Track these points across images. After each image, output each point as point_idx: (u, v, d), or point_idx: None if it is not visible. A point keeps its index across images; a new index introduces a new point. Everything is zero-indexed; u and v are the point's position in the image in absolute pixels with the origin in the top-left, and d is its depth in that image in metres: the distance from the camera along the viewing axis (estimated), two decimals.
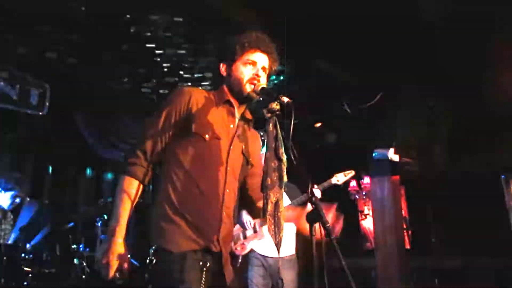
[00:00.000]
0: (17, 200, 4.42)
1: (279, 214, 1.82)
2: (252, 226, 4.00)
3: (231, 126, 1.98)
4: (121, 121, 5.95)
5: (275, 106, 1.84)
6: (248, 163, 2.07)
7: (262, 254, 3.97)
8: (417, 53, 4.50)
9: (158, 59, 5.11)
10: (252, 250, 3.98)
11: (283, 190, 1.85)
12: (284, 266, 3.86)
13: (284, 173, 1.84)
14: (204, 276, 1.77)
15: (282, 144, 1.87)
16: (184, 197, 1.82)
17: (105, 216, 4.36)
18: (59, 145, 5.43)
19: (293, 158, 1.84)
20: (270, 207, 1.78)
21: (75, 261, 3.79)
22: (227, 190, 1.90)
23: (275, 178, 1.82)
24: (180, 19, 4.32)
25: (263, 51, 2.00)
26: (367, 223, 8.11)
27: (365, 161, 5.40)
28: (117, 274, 1.69)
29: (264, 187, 1.80)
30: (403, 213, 6.12)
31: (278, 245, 1.83)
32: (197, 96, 1.95)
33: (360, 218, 8.33)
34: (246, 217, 4.03)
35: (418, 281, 5.71)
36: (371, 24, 4.20)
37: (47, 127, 5.16)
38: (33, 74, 4.97)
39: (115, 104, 5.86)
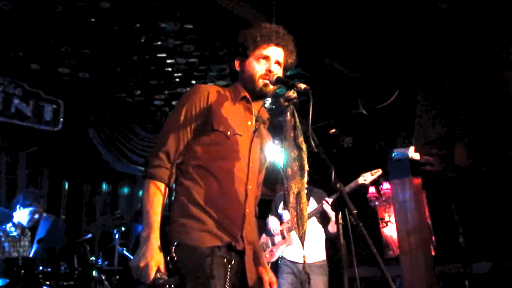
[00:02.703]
0: (36, 216, 4.37)
1: (301, 205, 1.74)
2: (279, 232, 3.92)
3: (249, 123, 1.93)
4: (135, 134, 5.94)
5: (292, 94, 1.79)
6: (266, 160, 2.03)
7: (292, 260, 3.88)
8: (436, 48, 4.41)
9: (169, 69, 5.11)
10: (281, 257, 3.91)
11: (304, 180, 1.77)
12: (314, 272, 3.75)
13: (305, 162, 1.77)
14: (229, 274, 1.71)
15: (301, 132, 1.81)
16: (206, 194, 1.77)
17: (123, 228, 4.30)
18: (74, 160, 5.42)
19: (314, 146, 1.79)
20: (292, 199, 1.72)
21: (94, 273, 3.72)
22: (250, 187, 1.86)
23: (296, 168, 1.76)
24: (190, 26, 4.31)
25: (277, 45, 1.95)
26: (388, 231, 7.89)
27: (384, 164, 5.26)
28: (158, 274, 1.61)
29: (284, 178, 1.74)
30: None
31: (302, 238, 1.76)
32: (214, 93, 1.90)
33: (381, 225, 8.14)
34: (272, 223, 3.95)
35: (445, 287, 5.50)
36: (388, 18, 4.13)
37: (62, 142, 5.15)
38: (46, 90, 5.00)
39: (129, 118, 5.86)
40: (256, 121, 1.97)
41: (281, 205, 4.09)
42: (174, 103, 5.88)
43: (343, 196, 1.72)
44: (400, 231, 5.13)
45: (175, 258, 1.66)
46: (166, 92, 5.71)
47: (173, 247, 1.67)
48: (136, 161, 5.81)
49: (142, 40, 4.44)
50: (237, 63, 2.00)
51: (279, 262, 3.96)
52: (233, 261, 1.75)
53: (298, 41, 2.05)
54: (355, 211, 1.71)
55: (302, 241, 1.76)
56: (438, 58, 4.62)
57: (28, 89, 4.81)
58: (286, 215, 4.04)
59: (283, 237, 3.95)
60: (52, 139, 5.07)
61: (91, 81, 5.15)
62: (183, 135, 1.83)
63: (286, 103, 1.83)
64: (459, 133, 4.48)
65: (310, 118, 1.75)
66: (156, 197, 1.74)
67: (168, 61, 4.93)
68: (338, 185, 1.75)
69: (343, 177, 4.11)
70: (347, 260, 1.67)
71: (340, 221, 1.72)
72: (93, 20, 4.06)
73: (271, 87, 1.92)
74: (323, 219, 3.90)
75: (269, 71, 1.90)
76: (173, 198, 1.90)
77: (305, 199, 1.78)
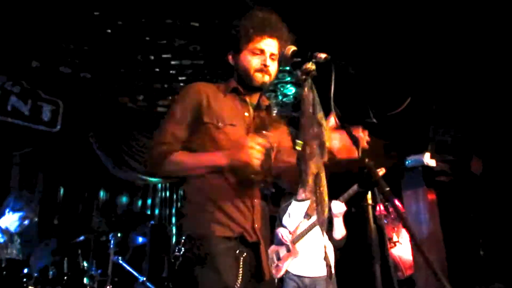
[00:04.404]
0: (26, 222, 4.11)
1: (321, 188, 1.60)
2: (289, 240, 3.73)
3: (246, 114, 1.89)
4: (137, 141, 5.73)
5: (310, 66, 1.66)
6: (272, 147, 1.93)
7: (298, 274, 3.72)
8: (450, 53, 4.25)
9: (174, 71, 4.94)
10: (286, 271, 3.71)
11: (324, 159, 1.61)
12: (322, 286, 3.60)
13: (326, 139, 1.62)
14: (241, 265, 1.65)
15: (320, 107, 1.66)
16: (212, 187, 1.74)
17: (119, 234, 4.03)
18: (72, 164, 5.19)
19: (337, 120, 1.66)
20: (310, 180, 1.58)
21: (85, 280, 3.43)
22: (253, 176, 1.79)
23: (315, 147, 1.62)
24: (196, 24, 4.15)
25: (270, 36, 1.88)
26: (397, 251, 7.60)
27: (394, 176, 5.01)
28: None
29: (302, 158, 1.63)
30: None
31: (322, 225, 1.63)
32: (206, 89, 1.89)
33: (389, 246, 7.84)
34: (283, 231, 3.79)
35: None
36: (400, 23, 3.99)
37: (59, 145, 4.94)
38: (46, 90, 4.82)
39: (131, 124, 5.65)
40: (255, 110, 1.91)
41: (285, 216, 3.97)
42: None
43: (372, 172, 1.51)
44: (414, 245, 4.83)
45: (185, 247, 1.63)
46: (170, 97, 5.52)
47: (183, 239, 1.66)
48: (137, 168, 5.60)
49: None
50: (230, 57, 1.94)
51: (285, 276, 3.79)
52: (245, 254, 1.69)
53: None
54: (388, 188, 1.49)
55: (322, 229, 1.63)
56: (451, 63, 4.45)
57: (27, 87, 4.63)
58: (290, 225, 3.90)
59: (288, 250, 3.78)
60: (49, 140, 4.86)
61: (92, 82, 4.97)
62: (180, 128, 1.80)
63: (304, 77, 1.69)
64: (475, 140, 4.28)
65: (333, 90, 1.59)
66: (183, 156, 1.75)
67: (173, 62, 4.76)
68: (366, 161, 1.54)
69: (343, 190, 3.92)
70: (377, 248, 1.45)
71: (370, 202, 1.51)
72: (97, 13, 3.90)
73: (267, 77, 1.86)
74: (328, 226, 3.70)
75: (265, 65, 1.84)
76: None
77: (325, 181, 1.61)
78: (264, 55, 1.85)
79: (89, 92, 5.10)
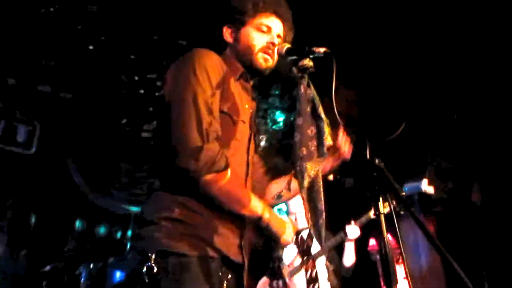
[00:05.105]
0: None
1: (316, 194, 1.45)
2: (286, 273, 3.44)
3: (246, 106, 1.61)
4: (120, 168, 5.45)
5: (308, 62, 1.54)
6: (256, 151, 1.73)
7: None
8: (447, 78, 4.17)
9: (161, 92, 4.73)
10: None
11: (323, 160, 1.50)
12: None
13: (326, 138, 1.48)
14: None
15: (320, 103, 1.53)
16: (196, 191, 1.36)
17: (91, 265, 3.66)
18: (46, 190, 4.86)
19: (338, 118, 1.45)
20: (306, 183, 1.43)
21: None
22: (248, 184, 1.55)
23: (313, 147, 1.48)
24: (184, 43, 4.00)
25: (279, 17, 1.66)
26: None
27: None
28: None
29: (297, 159, 1.45)
30: None
31: (319, 236, 1.41)
32: (222, 65, 1.53)
33: (382, 282, 7.50)
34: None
35: None
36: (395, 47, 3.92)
37: (34, 168, 4.63)
38: (22, 110, 4.56)
39: (113, 149, 5.38)
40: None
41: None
42: None
43: (385, 175, 1.29)
44: (412, 278, 4.54)
45: (155, 269, 1.27)
46: (155, 122, 5.29)
47: (153, 255, 1.28)
48: (118, 196, 5.30)
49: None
50: (227, 32, 1.64)
51: None
52: (229, 276, 1.41)
53: None
54: (404, 193, 1.26)
55: (318, 239, 1.42)
56: (449, 89, 4.36)
57: (1, 106, 4.38)
58: (286, 257, 3.57)
59: (285, 284, 3.47)
60: (23, 163, 4.56)
61: (73, 103, 4.73)
62: (215, 121, 1.40)
63: (300, 74, 1.55)
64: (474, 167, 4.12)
65: (334, 86, 1.45)
66: (232, 188, 1.40)
67: (159, 83, 4.57)
68: (377, 161, 1.32)
69: (344, 219, 3.71)
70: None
71: (383, 210, 1.27)
72: (79, 27, 3.72)
73: (270, 62, 1.60)
74: (334, 255, 3.44)
75: (272, 43, 1.59)
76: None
77: (321, 187, 1.45)
78: (271, 33, 1.61)
79: (69, 113, 4.85)
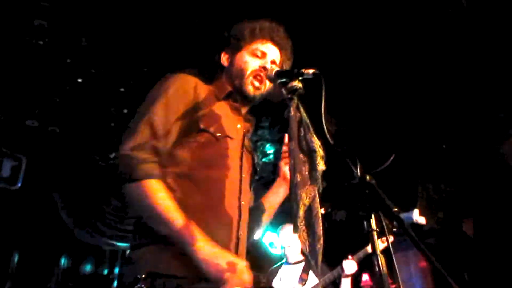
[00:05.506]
0: None
1: (314, 219, 1.38)
2: None
3: (238, 126, 1.63)
4: (108, 203, 5.33)
5: (297, 84, 1.51)
6: (256, 173, 1.73)
7: None
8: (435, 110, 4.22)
9: None
10: None
11: (318, 185, 1.42)
12: None
13: (319, 163, 1.43)
14: None
15: (310, 126, 1.51)
16: (190, 211, 1.36)
17: None
18: (30, 227, 4.70)
19: (330, 140, 1.41)
20: (301, 212, 1.35)
21: None
22: (243, 203, 1.53)
23: (306, 172, 1.42)
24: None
25: (276, 44, 1.71)
26: None
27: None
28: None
29: (292, 186, 1.39)
30: None
31: (316, 263, 1.33)
32: (201, 86, 1.57)
33: None
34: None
35: None
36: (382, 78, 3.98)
37: (18, 204, 4.50)
38: (8, 144, 4.48)
39: (101, 184, 5.28)
40: (245, 124, 1.68)
41: (276, 279, 3.60)
42: None
43: (375, 191, 1.27)
44: None
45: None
46: None
47: (141, 278, 1.26)
48: (106, 232, 5.15)
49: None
50: (225, 57, 1.71)
51: None
52: None
53: None
54: (396, 209, 1.23)
55: (316, 265, 1.32)
56: (435, 121, 4.40)
57: None
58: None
59: None
60: (7, 199, 4.43)
61: (60, 137, 4.66)
62: (171, 130, 1.44)
63: (290, 96, 1.51)
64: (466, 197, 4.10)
65: (324, 106, 1.44)
66: (162, 197, 1.32)
67: None
68: (368, 178, 1.30)
69: (337, 254, 3.66)
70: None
71: (374, 227, 1.24)
72: (68, 60, 3.72)
73: (261, 90, 1.63)
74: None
75: (264, 68, 1.62)
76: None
77: (319, 212, 1.40)
78: (265, 58, 1.64)
79: (56, 147, 4.77)
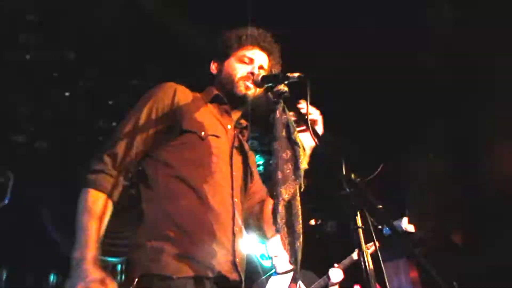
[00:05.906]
0: None
1: (294, 217, 1.42)
2: None
3: (229, 126, 1.68)
4: None
5: (283, 87, 1.56)
6: (252, 174, 1.75)
7: None
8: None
9: None
10: None
11: (299, 184, 1.45)
12: None
13: (301, 161, 1.47)
14: None
15: (295, 128, 1.54)
16: (184, 210, 1.42)
17: None
18: (18, 243, 4.63)
19: (313, 139, 1.47)
20: (280, 207, 1.39)
21: None
22: (236, 200, 1.55)
23: (288, 170, 1.46)
24: None
25: (263, 49, 1.76)
26: None
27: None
28: None
29: (273, 183, 1.43)
30: None
31: (295, 260, 1.37)
32: (182, 91, 1.63)
33: None
34: None
35: None
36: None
37: (5, 221, 4.44)
38: None
39: None
40: (235, 127, 1.73)
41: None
42: None
43: (360, 190, 1.29)
44: None
45: None
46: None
47: (137, 278, 1.28)
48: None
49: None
50: (214, 65, 1.78)
51: None
52: None
53: None
54: (381, 206, 1.25)
55: (296, 265, 1.38)
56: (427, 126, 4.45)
57: None
58: None
59: None
60: None
61: (48, 152, 4.63)
62: (140, 137, 1.51)
63: (276, 99, 1.55)
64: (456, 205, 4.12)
65: (307, 106, 1.51)
66: (95, 206, 1.41)
67: None
68: (352, 176, 1.32)
69: (327, 263, 3.66)
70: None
71: (360, 224, 1.25)
72: (55, 74, 3.72)
73: (252, 91, 1.67)
74: None
75: (252, 73, 1.66)
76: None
77: (300, 210, 1.43)
78: (253, 64, 1.70)
79: (44, 163, 4.73)
